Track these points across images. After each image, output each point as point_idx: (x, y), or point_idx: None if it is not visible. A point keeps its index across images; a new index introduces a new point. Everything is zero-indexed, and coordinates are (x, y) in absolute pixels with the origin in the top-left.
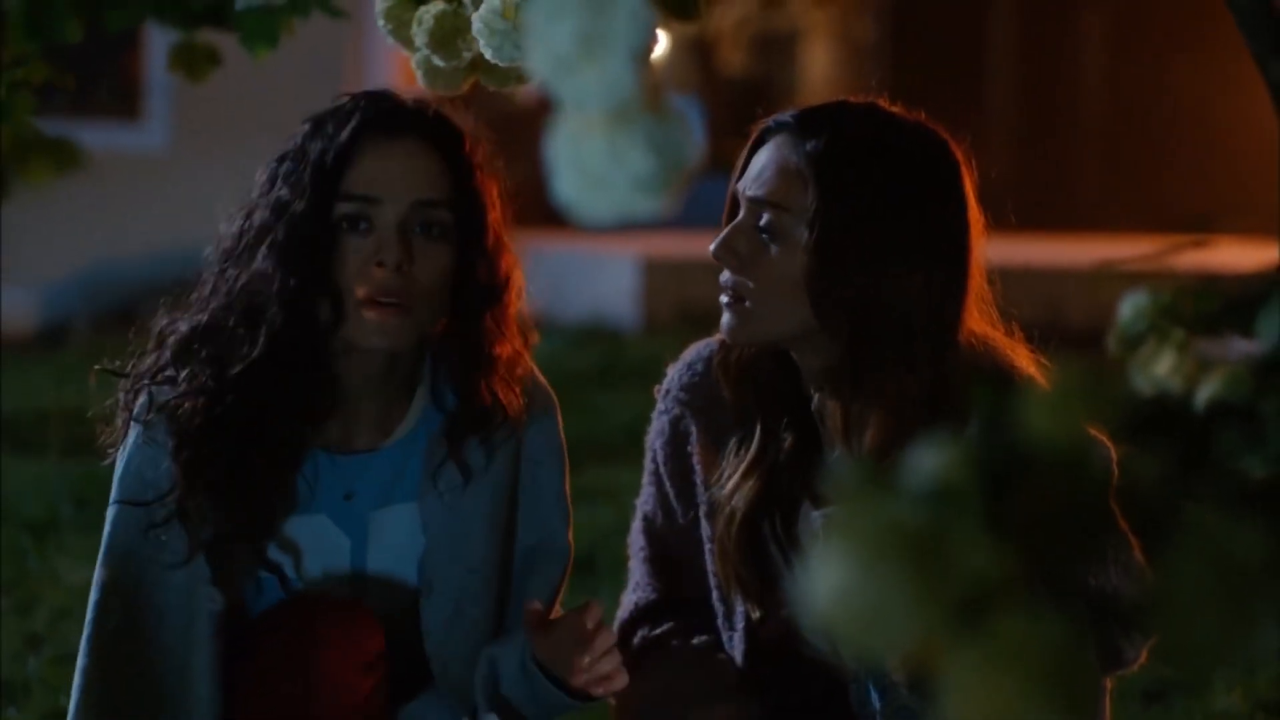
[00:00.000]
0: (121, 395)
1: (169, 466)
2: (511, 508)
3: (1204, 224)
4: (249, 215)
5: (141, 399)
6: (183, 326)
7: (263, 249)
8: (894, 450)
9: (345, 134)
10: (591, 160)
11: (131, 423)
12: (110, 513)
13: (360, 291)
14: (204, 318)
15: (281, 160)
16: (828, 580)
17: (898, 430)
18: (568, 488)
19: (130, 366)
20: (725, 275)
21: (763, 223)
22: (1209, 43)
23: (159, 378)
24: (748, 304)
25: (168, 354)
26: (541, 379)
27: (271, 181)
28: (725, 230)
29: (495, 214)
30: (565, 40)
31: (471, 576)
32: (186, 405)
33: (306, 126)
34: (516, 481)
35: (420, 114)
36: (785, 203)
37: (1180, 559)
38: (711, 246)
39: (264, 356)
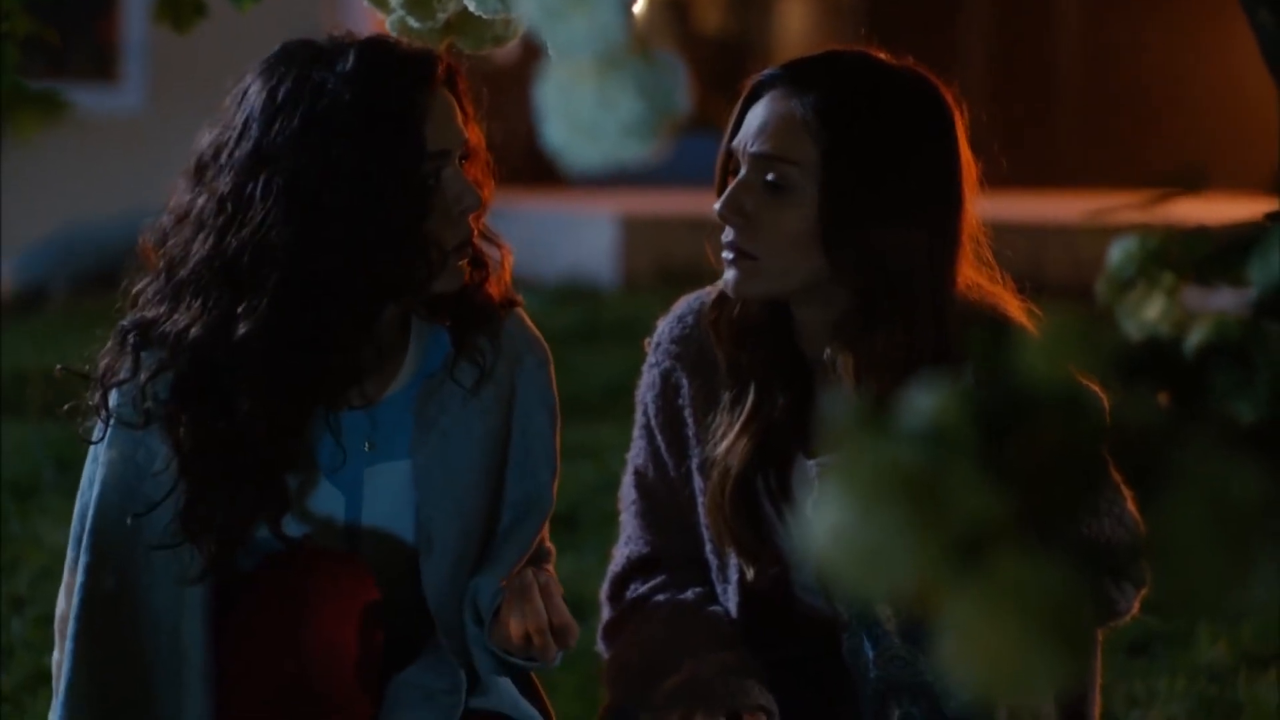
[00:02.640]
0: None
1: (161, 458)
2: (502, 459)
3: (1197, 175)
4: (316, 194)
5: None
6: (248, 327)
7: (359, 230)
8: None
9: (413, 93)
10: (581, 107)
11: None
12: (98, 479)
13: (450, 241)
14: (274, 319)
15: (326, 123)
16: (826, 521)
17: (907, 375)
18: (558, 440)
19: (130, 366)
20: (729, 233)
21: (769, 178)
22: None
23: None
24: (757, 259)
25: (231, 355)
26: (535, 331)
27: (326, 151)
28: (729, 189)
29: (476, 131)
30: None
31: (470, 535)
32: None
33: (338, 84)
34: (509, 433)
35: (436, 58)
36: (792, 155)
37: (1177, 502)
38: (716, 206)
39: (355, 333)
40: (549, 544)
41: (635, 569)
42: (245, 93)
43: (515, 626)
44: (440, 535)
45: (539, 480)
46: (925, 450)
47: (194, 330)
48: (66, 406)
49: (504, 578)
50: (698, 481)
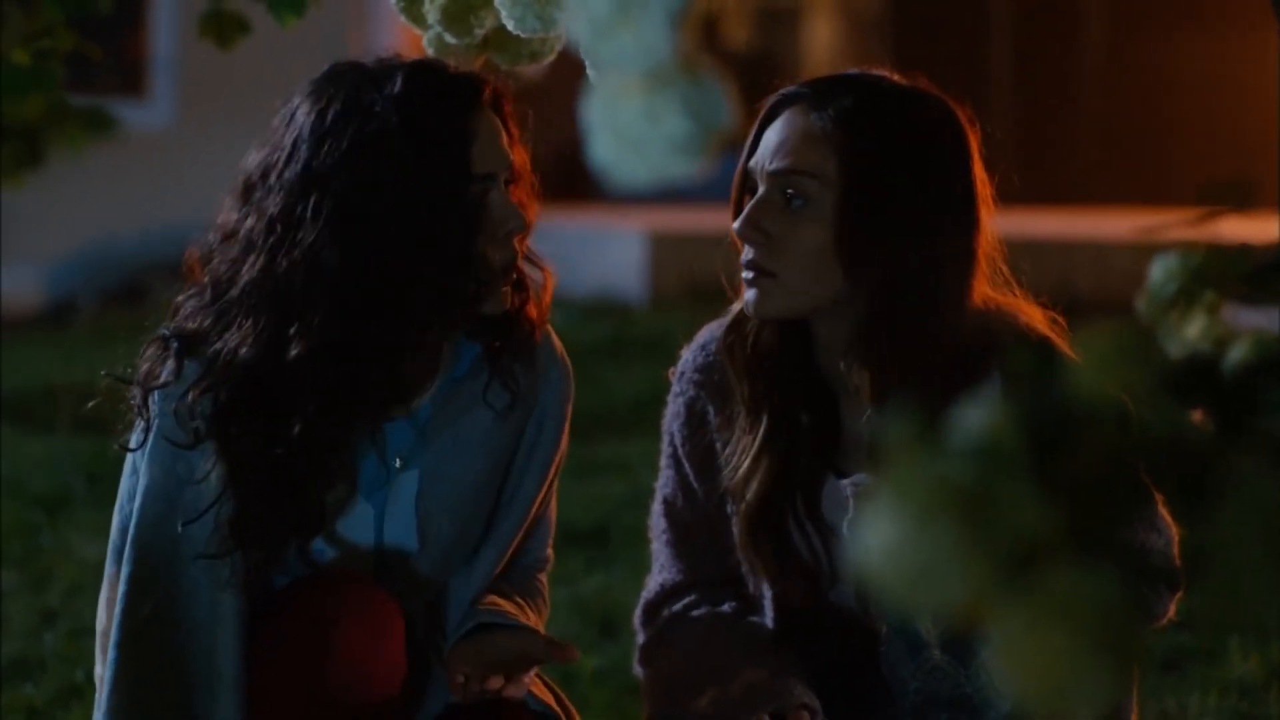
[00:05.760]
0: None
1: (205, 469)
2: (509, 467)
3: (1244, 192)
4: (366, 217)
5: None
6: (301, 348)
7: (410, 252)
8: (928, 410)
9: (461, 116)
10: (628, 124)
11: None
12: (140, 491)
13: (497, 263)
14: (327, 339)
15: (375, 146)
16: (877, 538)
17: (926, 389)
18: (560, 453)
19: (190, 387)
20: (749, 252)
21: (789, 194)
22: (1211, 15)
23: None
24: (778, 278)
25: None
26: (560, 346)
27: (375, 174)
28: (749, 208)
29: (521, 153)
30: (603, 3)
31: (464, 538)
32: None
33: (386, 107)
34: (520, 442)
35: (483, 81)
36: (810, 168)
37: (1224, 518)
38: (735, 226)
39: (404, 353)
40: (549, 551)
41: (669, 595)
42: (294, 114)
43: (465, 685)
44: (435, 533)
45: (527, 482)
46: (976, 466)
47: (244, 350)
48: (116, 420)
49: (483, 578)
50: (730, 505)
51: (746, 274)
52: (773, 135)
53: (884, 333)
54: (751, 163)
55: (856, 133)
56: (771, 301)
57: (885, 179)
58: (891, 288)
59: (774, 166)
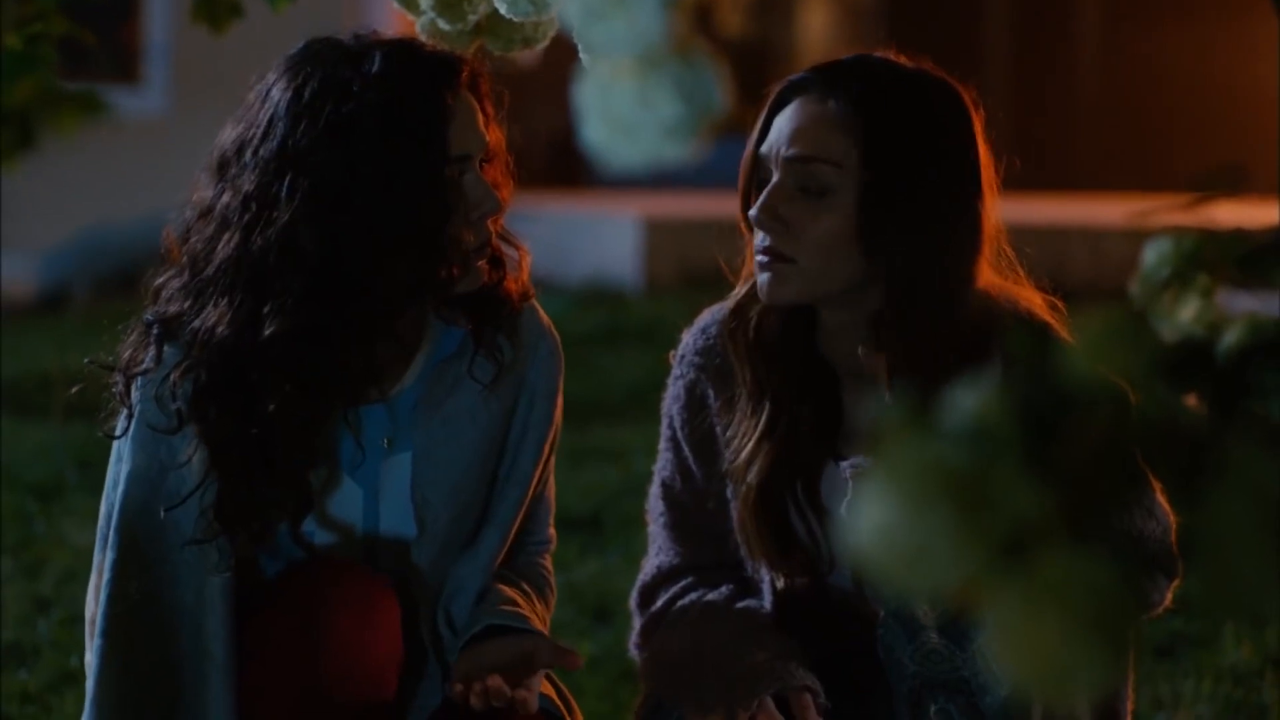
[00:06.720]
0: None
1: (188, 453)
2: (503, 445)
3: (1237, 176)
4: (342, 196)
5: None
6: (275, 327)
7: (384, 233)
8: (937, 394)
9: (438, 96)
10: (621, 107)
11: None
12: (123, 477)
13: (471, 243)
14: (301, 319)
15: (352, 126)
16: (871, 521)
17: (938, 374)
18: (554, 430)
19: (169, 372)
20: (762, 238)
21: (806, 181)
22: (1205, 4)
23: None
24: (794, 262)
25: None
26: (548, 321)
27: (351, 153)
28: (765, 195)
29: (497, 133)
30: None
31: (462, 521)
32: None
33: (365, 87)
34: (512, 420)
35: (461, 61)
36: (830, 156)
37: (1220, 502)
38: (751, 213)
39: (379, 333)
40: (551, 531)
41: (665, 578)
42: (269, 90)
43: (471, 697)
44: (432, 518)
45: (522, 460)
46: (969, 449)
47: (220, 329)
48: (101, 408)
49: (488, 562)
50: (729, 489)
51: (761, 259)
52: (786, 122)
53: (902, 318)
54: (763, 149)
55: (875, 119)
56: (787, 286)
57: (907, 165)
58: (911, 273)
59: (791, 153)
